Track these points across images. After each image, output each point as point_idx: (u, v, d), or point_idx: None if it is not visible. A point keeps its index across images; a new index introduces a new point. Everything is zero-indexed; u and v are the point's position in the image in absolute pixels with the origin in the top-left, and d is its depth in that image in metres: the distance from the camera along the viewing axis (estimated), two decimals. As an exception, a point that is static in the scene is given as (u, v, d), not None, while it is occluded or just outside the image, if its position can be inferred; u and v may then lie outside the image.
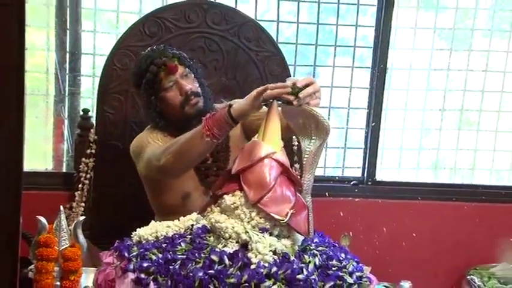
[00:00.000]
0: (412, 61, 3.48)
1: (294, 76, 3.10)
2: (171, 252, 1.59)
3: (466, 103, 3.55)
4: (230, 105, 1.92)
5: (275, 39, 2.99)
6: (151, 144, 2.28)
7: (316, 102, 1.84)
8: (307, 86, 1.81)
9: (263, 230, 1.62)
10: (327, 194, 3.30)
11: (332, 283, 1.55)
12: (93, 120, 2.79)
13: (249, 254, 1.56)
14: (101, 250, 1.86)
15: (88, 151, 2.73)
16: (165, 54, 2.29)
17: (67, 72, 3.10)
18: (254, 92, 1.86)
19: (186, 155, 2.05)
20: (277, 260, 1.56)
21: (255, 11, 3.19)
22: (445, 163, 3.64)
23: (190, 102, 2.27)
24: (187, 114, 2.28)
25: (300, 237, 1.68)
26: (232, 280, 1.49)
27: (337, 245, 1.81)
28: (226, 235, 1.61)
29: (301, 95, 1.79)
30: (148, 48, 2.39)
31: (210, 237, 1.66)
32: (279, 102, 1.81)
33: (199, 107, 2.29)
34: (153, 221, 1.80)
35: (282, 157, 1.72)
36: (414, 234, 3.40)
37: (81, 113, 2.83)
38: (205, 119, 1.94)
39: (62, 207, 1.64)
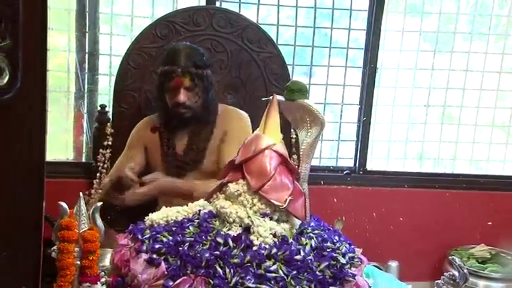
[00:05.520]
0: (399, 61, 3.47)
1: (292, 75, 3.10)
2: (180, 235, 1.59)
3: (448, 100, 3.55)
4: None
5: (275, 41, 2.98)
6: (125, 152, 2.52)
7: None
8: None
9: (264, 215, 1.61)
10: (322, 182, 3.30)
11: (327, 263, 1.55)
12: (110, 115, 2.78)
13: (251, 237, 1.55)
14: (116, 233, 1.86)
15: (105, 143, 2.73)
16: (183, 67, 2.31)
17: (86, 71, 3.10)
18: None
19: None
20: (277, 242, 1.56)
21: (257, 16, 3.19)
22: (429, 154, 3.64)
23: (178, 110, 2.35)
24: (173, 116, 2.39)
25: (298, 221, 1.68)
26: (236, 260, 1.49)
27: (331, 228, 1.80)
28: (231, 219, 1.60)
29: None
30: (186, 43, 2.49)
31: (215, 221, 1.65)
32: (279, 98, 1.81)
33: (185, 117, 2.37)
34: (164, 207, 1.80)
35: (281, 148, 1.72)
36: (401, 219, 3.41)
37: (99, 108, 2.83)
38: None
39: (81, 194, 1.64)
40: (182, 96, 2.32)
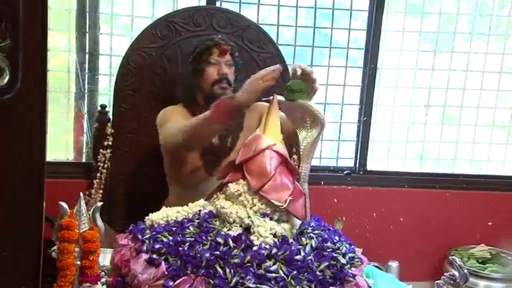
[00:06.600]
0: (399, 61, 3.47)
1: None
2: (180, 235, 1.59)
3: (449, 100, 3.55)
4: (233, 96, 2.01)
5: (275, 41, 2.97)
6: (172, 120, 2.34)
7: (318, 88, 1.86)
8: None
9: (264, 215, 1.61)
10: (322, 182, 3.30)
11: (327, 263, 1.55)
12: (110, 115, 2.78)
13: (252, 237, 1.56)
14: (117, 233, 1.86)
15: (105, 143, 2.73)
16: (224, 40, 2.42)
17: (86, 71, 3.10)
18: (256, 86, 1.89)
19: (199, 136, 2.16)
20: (277, 242, 1.56)
21: (257, 16, 3.19)
22: (430, 154, 3.63)
23: (221, 84, 2.36)
24: (213, 94, 2.35)
25: (298, 222, 1.68)
26: (236, 260, 1.49)
27: (331, 228, 1.80)
28: (231, 219, 1.60)
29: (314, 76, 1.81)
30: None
31: (216, 221, 1.65)
32: (279, 98, 1.81)
33: (226, 93, 2.35)
34: (164, 207, 1.80)
35: (282, 148, 1.72)
36: (401, 219, 3.40)
37: (99, 108, 2.83)
38: (214, 106, 2.02)
39: (81, 194, 1.64)
40: (226, 69, 2.36)
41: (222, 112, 2.00)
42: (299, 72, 1.90)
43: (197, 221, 1.67)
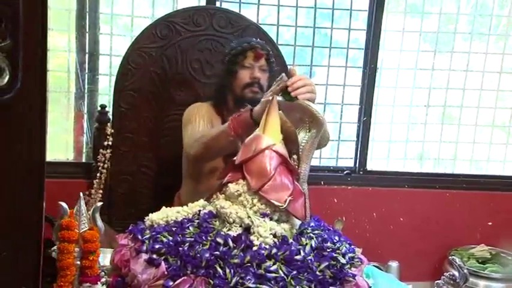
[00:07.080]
0: (399, 61, 3.47)
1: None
2: (180, 235, 1.59)
3: (449, 100, 3.55)
4: (252, 109, 1.98)
5: (275, 41, 2.98)
6: (195, 123, 2.35)
7: (307, 96, 1.83)
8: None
9: (264, 215, 1.61)
10: (322, 182, 3.30)
11: (327, 263, 1.55)
12: (110, 115, 2.78)
13: (251, 237, 1.55)
14: (117, 233, 1.86)
15: (105, 143, 2.73)
16: (261, 44, 2.41)
17: (86, 71, 3.10)
18: (266, 97, 1.89)
19: (212, 149, 2.15)
20: (277, 242, 1.56)
21: (257, 16, 3.19)
22: (430, 154, 3.64)
23: (252, 88, 2.36)
24: (243, 97, 2.36)
25: (298, 222, 1.68)
26: (236, 260, 1.49)
27: (331, 228, 1.80)
28: (231, 220, 1.60)
29: (290, 88, 1.80)
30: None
31: (215, 221, 1.65)
32: (279, 99, 1.81)
33: (256, 97, 2.33)
34: (163, 207, 1.80)
35: (281, 148, 1.72)
36: (401, 219, 3.41)
37: (99, 108, 2.83)
38: (231, 119, 2.03)
39: (81, 194, 1.64)
40: (258, 73, 2.36)
41: (238, 125, 2.00)
42: (295, 72, 1.89)
43: (197, 221, 1.66)
